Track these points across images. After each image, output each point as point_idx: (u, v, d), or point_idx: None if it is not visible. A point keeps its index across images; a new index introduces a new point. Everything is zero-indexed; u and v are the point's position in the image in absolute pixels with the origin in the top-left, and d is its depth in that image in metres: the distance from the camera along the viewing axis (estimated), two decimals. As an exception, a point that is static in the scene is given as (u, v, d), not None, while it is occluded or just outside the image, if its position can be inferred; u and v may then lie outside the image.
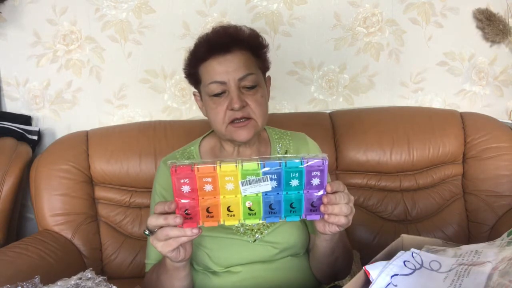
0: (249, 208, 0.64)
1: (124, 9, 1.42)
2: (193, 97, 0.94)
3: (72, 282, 0.76)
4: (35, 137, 1.39)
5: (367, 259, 0.61)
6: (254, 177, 0.62)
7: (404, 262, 0.55)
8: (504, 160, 1.28)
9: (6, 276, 0.95)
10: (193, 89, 0.92)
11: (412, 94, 1.52)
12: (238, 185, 0.62)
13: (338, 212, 0.64)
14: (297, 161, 0.61)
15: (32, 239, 1.14)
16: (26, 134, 1.37)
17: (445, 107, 1.52)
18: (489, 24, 1.43)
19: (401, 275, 0.51)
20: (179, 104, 1.49)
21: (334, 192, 0.65)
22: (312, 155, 0.63)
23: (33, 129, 1.41)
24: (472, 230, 1.30)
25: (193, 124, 1.32)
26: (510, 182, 1.27)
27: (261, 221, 0.66)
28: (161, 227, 0.64)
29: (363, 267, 0.53)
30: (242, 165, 0.60)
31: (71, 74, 1.45)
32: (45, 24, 1.41)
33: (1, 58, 1.43)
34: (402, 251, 0.57)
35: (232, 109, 0.81)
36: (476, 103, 1.53)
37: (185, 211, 0.63)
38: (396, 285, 0.51)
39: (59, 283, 0.76)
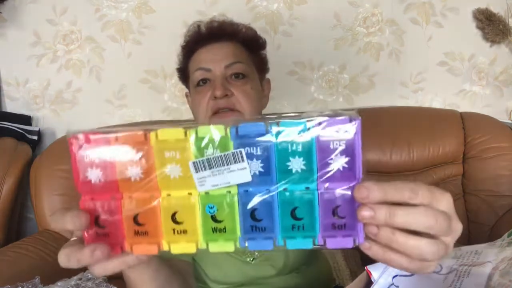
0: (213, 218, 0.35)
1: (124, 9, 1.41)
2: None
3: (73, 283, 0.76)
4: (35, 137, 1.39)
5: (367, 259, 0.61)
6: (218, 153, 0.33)
7: (405, 262, 0.55)
8: (504, 160, 1.28)
9: (6, 276, 0.95)
10: (185, 92, 0.90)
11: (412, 94, 1.52)
12: (188, 169, 0.34)
13: (405, 240, 0.32)
14: (299, 121, 0.32)
15: (32, 239, 1.14)
16: (26, 134, 1.36)
17: (445, 107, 1.52)
18: (489, 24, 1.43)
19: (402, 276, 0.51)
20: (179, 104, 1.49)
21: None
22: (329, 111, 0.33)
23: (33, 129, 1.40)
24: (472, 230, 1.30)
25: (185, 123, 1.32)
26: (510, 182, 1.27)
27: (237, 247, 0.35)
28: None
29: (365, 268, 0.53)
30: (196, 130, 0.33)
31: (71, 74, 1.45)
32: (45, 24, 1.41)
33: (1, 58, 1.43)
34: None
35: (215, 98, 0.72)
36: (476, 103, 1.53)
37: (95, 220, 0.36)
38: (397, 286, 0.51)
39: (59, 283, 0.76)
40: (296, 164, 0.33)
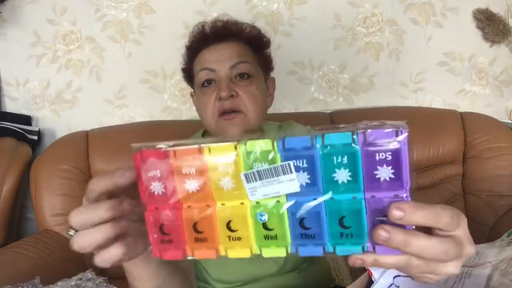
0: (265, 226, 0.37)
1: (124, 9, 1.41)
2: (193, 97, 0.92)
3: (73, 283, 0.76)
4: (35, 137, 1.39)
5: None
6: (266, 166, 0.35)
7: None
8: (504, 160, 1.28)
9: (6, 276, 0.94)
10: (190, 92, 0.90)
11: (412, 94, 1.52)
12: (239, 181, 0.36)
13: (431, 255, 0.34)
14: (344, 133, 0.33)
15: (32, 239, 1.13)
16: (26, 134, 1.36)
17: (445, 107, 1.52)
18: (489, 24, 1.43)
19: (403, 276, 0.51)
20: (179, 104, 1.49)
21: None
22: (376, 122, 0.34)
23: (33, 129, 1.40)
24: (472, 230, 1.29)
25: (193, 124, 1.32)
26: (510, 182, 1.27)
27: (289, 252, 0.37)
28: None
29: (366, 268, 0.53)
30: (245, 144, 0.35)
31: (71, 74, 1.44)
32: (45, 24, 1.41)
33: (1, 58, 1.42)
34: None
35: (220, 99, 0.72)
36: (476, 103, 1.54)
37: (159, 228, 0.39)
38: (398, 286, 0.51)
39: (59, 283, 0.76)
40: (342, 176, 0.34)
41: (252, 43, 0.81)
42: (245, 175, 0.36)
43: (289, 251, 0.37)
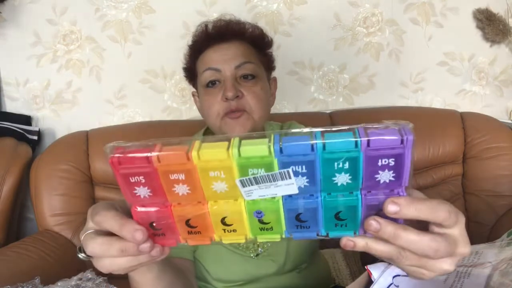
0: (261, 221, 0.36)
1: (124, 9, 1.41)
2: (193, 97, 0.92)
3: (73, 283, 0.76)
4: (35, 137, 1.39)
5: (367, 259, 0.61)
6: (263, 172, 0.33)
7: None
8: (504, 160, 1.28)
9: (6, 276, 0.95)
10: (192, 91, 0.90)
11: (412, 94, 1.52)
12: (234, 184, 0.34)
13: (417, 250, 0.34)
14: (346, 139, 0.31)
15: (32, 239, 1.13)
16: (26, 134, 1.36)
17: (445, 107, 1.52)
18: (489, 24, 1.43)
19: (402, 275, 0.51)
20: (179, 104, 1.49)
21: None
22: (379, 124, 0.32)
23: (33, 129, 1.40)
24: (472, 230, 1.30)
25: (193, 124, 1.32)
26: (510, 182, 1.27)
27: (283, 237, 0.38)
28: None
29: (366, 267, 0.53)
30: (239, 150, 0.32)
31: (71, 74, 1.45)
32: (45, 24, 1.41)
33: (1, 58, 1.42)
34: None
35: (226, 99, 0.72)
36: (476, 103, 1.53)
37: (150, 224, 0.38)
38: (397, 286, 0.51)
39: (59, 283, 0.76)
40: (342, 179, 0.33)
41: (255, 43, 0.81)
42: (241, 181, 0.34)
43: (283, 236, 0.37)
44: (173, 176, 0.34)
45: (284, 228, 0.37)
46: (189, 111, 1.49)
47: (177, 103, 1.48)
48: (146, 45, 1.44)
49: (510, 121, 1.48)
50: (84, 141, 1.27)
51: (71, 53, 1.43)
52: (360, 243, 0.36)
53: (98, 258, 0.40)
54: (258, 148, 0.32)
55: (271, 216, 0.36)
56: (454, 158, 1.33)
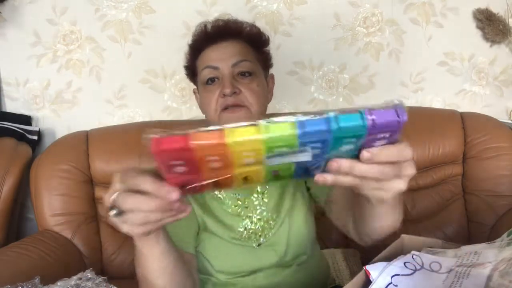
0: (275, 176, 0.45)
1: (124, 9, 1.41)
2: (193, 97, 0.94)
3: (72, 283, 0.76)
4: (35, 137, 1.39)
5: (367, 259, 0.61)
6: (286, 149, 0.39)
7: (405, 263, 0.55)
8: (504, 160, 1.28)
9: (6, 276, 0.95)
10: (193, 88, 0.92)
11: (412, 94, 1.52)
12: (262, 159, 0.40)
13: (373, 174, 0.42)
14: (357, 123, 0.37)
15: (32, 239, 1.14)
16: (26, 134, 1.36)
17: (445, 107, 1.52)
18: (489, 24, 1.43)
19: (401, 275, 0.51)
20: (179, 104, 1.49)
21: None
22: (380, 104, 0.39)
23: (33, 129, 1.41)
24: (472, 230, 1.30)
25: (193, 124, 1.32)
26: (510, 182, 1.27)
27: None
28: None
29: (364, 267, 0.53)
30: (269, 136, 0.37)
31: (71, 74, 1.45)
32: (45, 24, 1.41)
33: (1, 58, 1.43)
34: (402, 255, 0.57)
35: (224, 96, 0.76)
36: (476, 103, 1.53)
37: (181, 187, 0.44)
38: (396, 285, 0.51)
39: (59, 283, 0.76)
40: (346, 147, 0.40)
41: (252, 42, 0.85)
42: (267, 157, 0.39)
43: (293, 177, 0.45)
44: (209, 158, 0.39)
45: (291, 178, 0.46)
46: (189, 111, 1.49)
47: (177, 103, 1.48)
48: (146, 45, 1.44)
49: (510, 121, 1.48)
50: (84, 141, 1.27)
51: (71, 53, 1.44)
52: (329, 178, 0.43)
53: (132, 213, 0.44)
54: (284, 130, 0.37)
55: (284, 172, 0.44)
56: (454, 158, 1.33)
